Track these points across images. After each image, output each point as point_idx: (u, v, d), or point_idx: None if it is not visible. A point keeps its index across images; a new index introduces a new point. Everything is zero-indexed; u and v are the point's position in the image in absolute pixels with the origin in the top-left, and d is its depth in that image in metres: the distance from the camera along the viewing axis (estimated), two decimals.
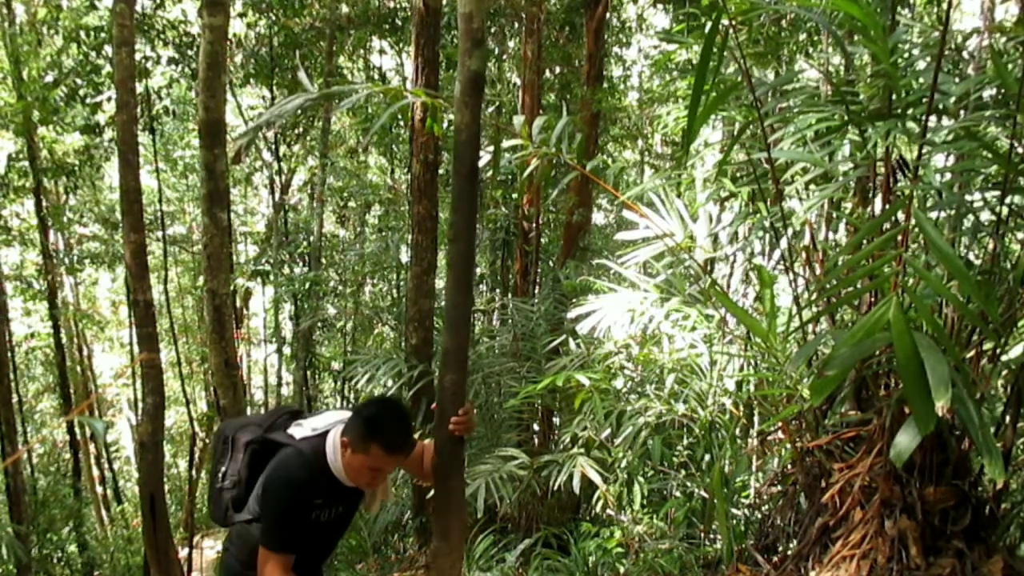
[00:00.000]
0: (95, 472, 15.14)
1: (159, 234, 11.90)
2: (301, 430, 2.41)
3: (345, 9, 10.34)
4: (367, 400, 2.49)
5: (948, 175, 2.79)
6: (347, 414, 2.45)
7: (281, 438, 2.44)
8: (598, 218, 12.35)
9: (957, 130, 2.48)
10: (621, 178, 11.50)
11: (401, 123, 9.84)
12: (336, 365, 12.09)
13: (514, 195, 8.96)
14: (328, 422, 2.43)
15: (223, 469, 2.52)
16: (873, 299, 2.68)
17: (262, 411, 15.93)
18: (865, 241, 2.24)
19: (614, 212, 12.20)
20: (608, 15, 9.63)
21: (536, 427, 6.59)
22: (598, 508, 4.63)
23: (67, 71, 9.30)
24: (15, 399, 8.89)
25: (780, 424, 3.44)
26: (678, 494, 4.35)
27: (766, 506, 3.63)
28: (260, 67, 10.46)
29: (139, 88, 8.70)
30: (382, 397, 2.49)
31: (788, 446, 3.41)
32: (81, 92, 9.23)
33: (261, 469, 2.41)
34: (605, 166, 3.54)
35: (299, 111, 9.56)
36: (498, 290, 10.03)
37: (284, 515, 2.29)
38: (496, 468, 4.50)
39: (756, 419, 4.08)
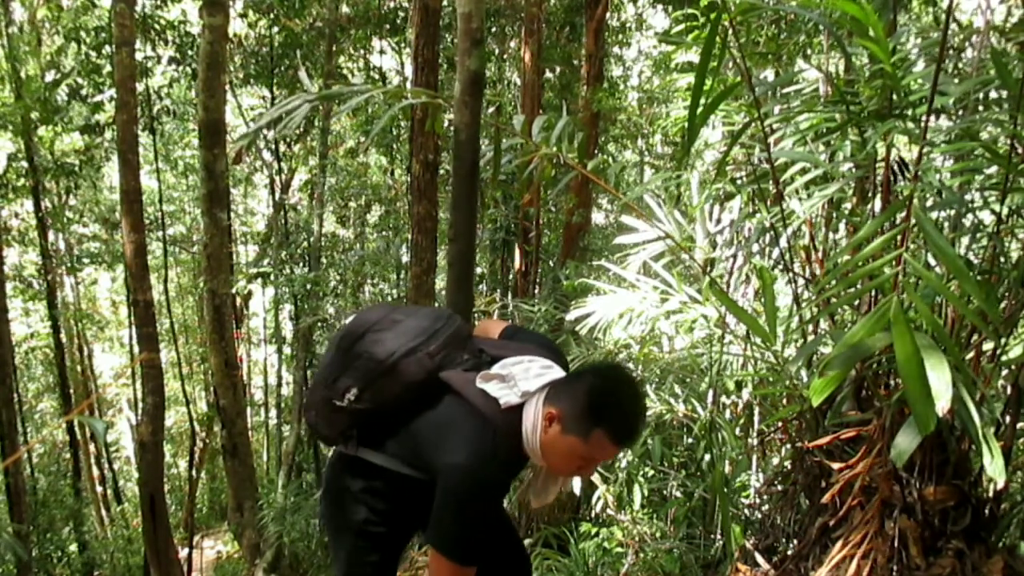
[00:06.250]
0: (95, 472, 15.15)
1: (159, 234, 11.92)
2: (504, 389, 1.78)
3: (345, 9, 10.35)
4: (592, 365, 1.91)
5: (948, 175, 2.79)
6: (554, 368, 1.85)
7: (468, 391, 1.79)
8: (598, 218, 12.36)
9: (957, 131, 2.49)
10: (621, 178, 11.50)
11: (401, 123, 9.85)
12: None
13: (514, 195, 8.96)
14: (537, 381, 1.80)
15: (351, 384, 1.86)
16: (873, 299, 2.68)
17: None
18: (866, 241, 2.24)
19: (614, 212, 12.21)
20: (608, 15, 9.64)
21: None
22: (598, 508, 4.63)
23: (68, 71, 9.31)
24: (15, 399, 8.89)
25: (780, 424, 3.44)
26: (678, 494, 4.35)
27: (766, 506, 3.63)
28: (260, 67, 10.47)
29: (139, 88, 8.71)
30: (612, 364, 1.68)
31: (788, 446, 3.41)
32: (82, 92, 9.25)
33: (423, 407, 1.84)
34: (605, 166, 3.54)
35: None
36: (498, 290, 10.03)
37: (478, 522, 1.76)
38: None
39: (756, 419, 4.08)
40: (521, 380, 1.79)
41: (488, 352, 1.92)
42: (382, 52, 11.88)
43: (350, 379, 1.86)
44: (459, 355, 1.90)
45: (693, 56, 3.71)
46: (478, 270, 10.62)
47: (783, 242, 2.96)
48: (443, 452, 1.75)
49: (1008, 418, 2.41)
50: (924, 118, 2.09)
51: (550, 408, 1.74)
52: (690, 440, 4.41)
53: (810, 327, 3.09)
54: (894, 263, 1.96)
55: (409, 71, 8.36)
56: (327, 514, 2.06)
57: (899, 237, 2.04)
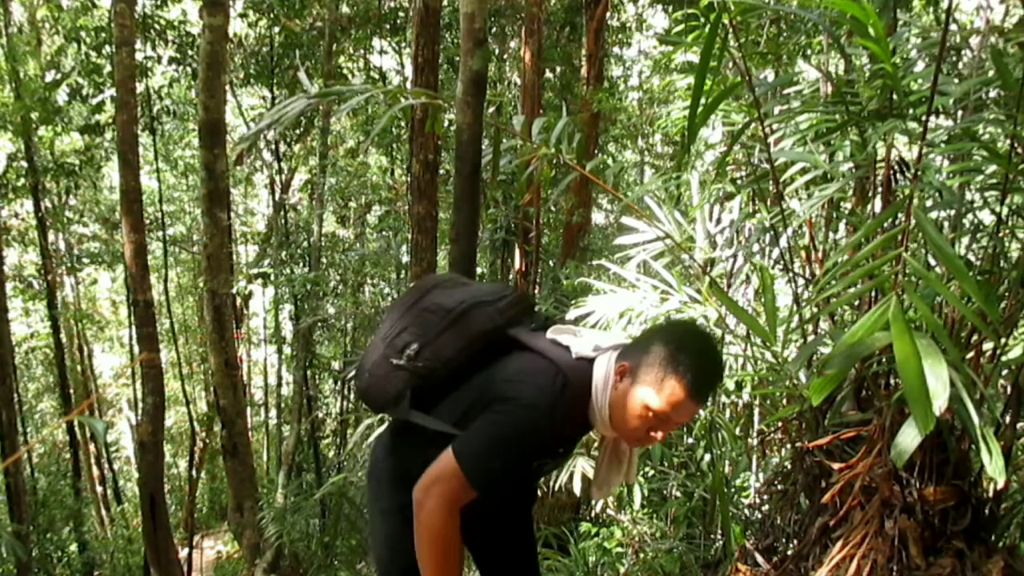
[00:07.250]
0: (95, 472, 15.15)
1: (159, 234, 11.92)
2: (577, 341, 1.72)
3: (345, 9, 10.35)
4: (666, 321, 1.87)
5: (948, 175, 2.79)
6: (622, 338, 1.81)
7: (537, 342, 1.74)
8: (598, 218, 12.36)
9: (957, 131, 2.49)
10: (621, 178, 11.50)
11: (401, 123, 9.86)
12: (336, 365, 12.10)
13: (514, 195, 8.96)
14: (609, 341, 1.75)
15: (412, 340, 1.78)
16: (873, 299, 2.68)
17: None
18: (865, 241, 2.25)
19: (614, 212, 12.21)
20: (608, 15, 9.64)
21: None
22: (598, 508, 4.64)
23: (68, 71, 9.32)
24: (15, 399, 8.89)
25: (780, 424, 3.44)
26: (678, 494, 4.36)
27: (766, 506, 3.63)
28: (260, 67, 10.47)
29: (139, 88, 8.71)
30: (686, 320, 1.77)
31: (788, 446, 3.41)
32: (82, 92, 9.25)
33: (481, 367, 1.77)
34: (605, 166, 3.54)
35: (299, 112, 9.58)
36: None
37: (510, 453, 1.64)
38: None
39: (756, 419, 4.09)
40: (593, 334, 1.76)
41: (553, 322, 1.90)
42: (382, 52, 11.88)
43: (411, 335, 1.79)
44: (526, 319, 1.87)
45: (693, 56, 3.71)
46: (478, 270, 10.62)
47: (783, 242, 2.96)
48: (503, 393, 1.67)
49: (1008, 418, 2.41)
50: (924, 118, 2.09)
51: (623, 362, 1.66)
52: (690, 440, 4.41)
53: (810, 327, 3.09)
54: (894, 263, 1.96)
55: (409, 71, 8.37)
56: (371, 496, 2.02)
57: (899, 237, 2.04)
